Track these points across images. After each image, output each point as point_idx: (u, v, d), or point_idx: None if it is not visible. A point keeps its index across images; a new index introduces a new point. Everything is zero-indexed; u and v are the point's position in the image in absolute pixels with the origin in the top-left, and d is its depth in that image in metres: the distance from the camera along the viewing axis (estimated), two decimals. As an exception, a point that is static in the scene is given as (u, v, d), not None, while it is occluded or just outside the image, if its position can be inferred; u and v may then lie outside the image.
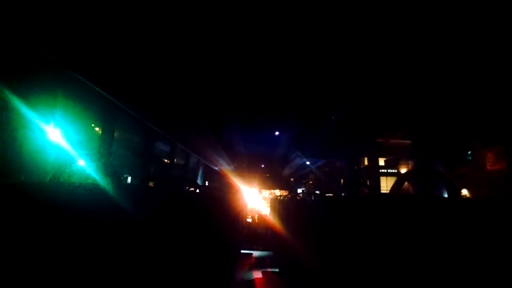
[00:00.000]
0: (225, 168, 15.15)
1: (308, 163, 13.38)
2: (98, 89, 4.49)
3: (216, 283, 3.97)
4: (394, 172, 17.23)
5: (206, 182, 15.38)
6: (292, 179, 19.24)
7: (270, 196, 16.77)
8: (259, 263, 7.81)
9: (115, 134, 4.95)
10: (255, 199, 16.28)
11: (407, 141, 9.50)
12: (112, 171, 1.70)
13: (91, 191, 1.51)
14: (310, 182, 18.47)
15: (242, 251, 8.74)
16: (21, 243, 1.23)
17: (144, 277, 1.77)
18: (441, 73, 3.85)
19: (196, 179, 12.07)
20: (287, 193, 12.85)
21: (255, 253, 9.27)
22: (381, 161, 16.40)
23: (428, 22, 3.22)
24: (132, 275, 1.64)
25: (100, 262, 1.43)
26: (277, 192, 17.72)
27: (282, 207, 7.55)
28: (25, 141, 3.03)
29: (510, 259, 1.14)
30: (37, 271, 1.26)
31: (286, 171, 17.74)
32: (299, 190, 17.45)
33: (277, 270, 6.85)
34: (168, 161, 10.27)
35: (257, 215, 14.29)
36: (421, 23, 3.30)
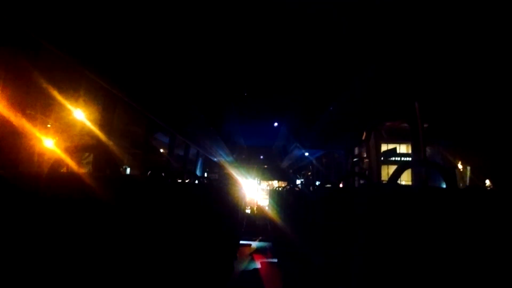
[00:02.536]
0: (224, 160, 15.17)
1: (307, 154, 13.40)
2: (97, 79, 4.48)
3: (216, 273, 4.00)
4: (396, 160, 17.23)
5: (205, 174, 15.41)
6: (291, 171, 19.27)
7: (269, 188, 16.82)
8: (258, 254, 7.86)
9: (114, 125, 4.95)
10: (254, 191, 16.33)
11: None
12: (111, 162, 1.71)
13: (89, 182, 1.52)
14: (309, 174, 18.52)
15: (241, 242, 8.78)
16: (19, 234, 1.24)
17: (144, 268, 1.78)
18: (441, 53, 3.84)
19: (195, 170, 12.09)
20: (285, 185, 12.89)
21: (254, 244, 9.32)
22: (384, 148, 16.37)
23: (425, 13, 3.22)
24: (131, 267, 1.65)
25: (100, 253, 1.44)
26: (275, 183, 17.78)
27: (281, 198, 7.59)
28: (24, 132, 3.03)
29: (508, 251, 1.15)
30: (34, 263, 1.27)
31: (285, 163, 17.77)
32: (298, 182, 17.48)
33: (275, 260, 6.90)
34: (167, 152, 10.28)
35: (256, 206, 14.36)
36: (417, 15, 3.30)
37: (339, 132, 8.37)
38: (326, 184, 5.65)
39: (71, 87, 5.26)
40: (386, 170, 16.13)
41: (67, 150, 1.63)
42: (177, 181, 4.15)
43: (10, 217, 1.22)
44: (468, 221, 1.27)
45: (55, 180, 1.48)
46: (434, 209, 1.35)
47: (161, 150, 12.17)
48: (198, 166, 13.39)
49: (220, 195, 5.01)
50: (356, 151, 11.86)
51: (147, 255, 1.82)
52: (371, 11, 3.71)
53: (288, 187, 9.07)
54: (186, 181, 5.75)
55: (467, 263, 1.22)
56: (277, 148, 15.99)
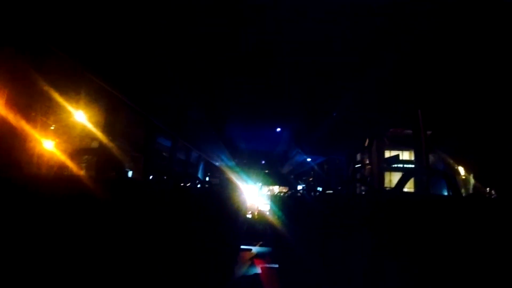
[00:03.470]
0: (226, 164, 15.15)
1: (308, 160, 13.38)
2: (100, 82, 4.49)
3: (216, 277, 3.99)
4: (398, 167, 17.11)
5: (207, 178, 15.39)
6: (292, 176, 19.24)
7: (269, 193, 16.79)
8: (258, 259, 7.83)
9: (116, 128, 4.96)
10: (255, 196, 16.29)
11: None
12: (116, 164, 1.71)
13: (93, 185, 1.52)
14: (310, 179, 18.47)
15: (241, 247, 8.76)
16: (26, 236, 1.23)
17: (144, 273, 1.77)
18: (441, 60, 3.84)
19: (196, 174, 12.07)
20: (286, 190, 12.85)
21: (255, 249, 9.29)
22: (386, 154, 16.29)
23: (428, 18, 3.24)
24: (132, 270, 1.64)
25: (102, 255, 1.44)
26: (276, 189, 17.73)
27: (282, 204, 7.57)
28: (28, 135, 3.04)
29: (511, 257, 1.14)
30: (38, 264, 1.27)
31: (286, 168, 17.74)
32: (299, 187, 17.45)
33: (276, 266, 6.87)
34: (169, 156, 10.27)
35: (256, 212, 14.32)
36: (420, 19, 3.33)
37: (341, 139, 8.36)
38: (327, 190, 5.64)
39: (75, 90, 5.27)
40: (389, 177, 16.07)
41: (72, 153, 1.63)
42: (178, 185, 4.14)
43: (15, 219, 1.22)
44: (472, 227, 1.26)
45: (60, 182, 1.48)
46: (439, 216, 1.34)
47: (163, 154, 12.16)
48: (200, 170, 13.38)
49: (221, 200, 5.01)
50: (358, 157, 11.84)
51: (148, 257, 1.82)
52: (376, 20, 3.72)
53: (289, 192, 9.05)
54: (188, 185, 5.74)
55: (470, 269, 1.22)
56: (278, 153, 15.97)
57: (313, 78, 6.10)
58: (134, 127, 9.28)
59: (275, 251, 8.16)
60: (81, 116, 6.64)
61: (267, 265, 7.09)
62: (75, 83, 5.15)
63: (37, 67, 3.23)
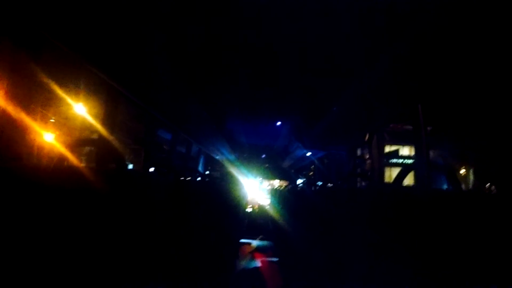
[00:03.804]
0: (226, 158, 15.15)
1: (308, 154, 13.37)
2: (100, 75, 4.48)
3: (216, 271, 4.00)
4: (398, 162, 17.09)
5: (207, 171, 15.39)
6: (292, 170, 19.24)
7: (270, 187, 16.80)
8: (258, 253, 7.84)
9: (117, 121, 4.96)
10: (256, 190, 16.28)
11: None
12: (117, 156, 1.71)
13: (94, 176, 1.52)
14: (311, 174, 18.48)
15: (242, 241, 8.77)
16: (27, 226, 1.24)
17: (144, 264, 1.78)
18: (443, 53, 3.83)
19: (197, 168, 12.07)
20: (287, 184, 12.85)
21: (255, 243, 9.29)
22: (386, 149, 16.25)
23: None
24: (131, 262, 1.65)
25: (100, 247, 1.44)
26: (276, 183, 17.75)
27: (282, 198, 7.58)
28: (31, 127, 3.04)
29: (509, 251, 1.15)
30: (38, 253, 1.27)
31: (287, 162, 17.75)
32: (299, 181, 17.46)
33: (276, 259, 6.89)
34: (169, 149, 10.27)
35: (257, 205, 14.33)
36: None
37: (341, 133, 8.35)
38: (328, 184, 5.64)
39: (76, 83, 5.26)
40: (388, 172, 16.04)
41: (72, 144, 1.63)
42: (179, 178, 4.15)
43: (16, 208, 1.22)
44: (472, 222, 1.26)
45: (60, 173, 1.48)
46: (439, 210, 1.34)
47: (163, 147, 12.16)
48: (200, 164, 13.38)
49: (221, 193, 5.01)
50: (359, 152, 11.85)
51: (147, 249, 1.82)
52: (378, 15, 3.71)
53: (289, 186, 9.06)
54: (188, 178, 5.75)
55: (470, 262, 1.22)
56: (278, 147, 15.97)
57: (314, 72, 6.08)
58: (134, 119, 9.28)
59: (276, 245, 8.18)
60: (81, 109, 6.63)
61: (268, 259, 7.10)
62: (75, 76, 5.15)
63: (38, 59, 3.22)
